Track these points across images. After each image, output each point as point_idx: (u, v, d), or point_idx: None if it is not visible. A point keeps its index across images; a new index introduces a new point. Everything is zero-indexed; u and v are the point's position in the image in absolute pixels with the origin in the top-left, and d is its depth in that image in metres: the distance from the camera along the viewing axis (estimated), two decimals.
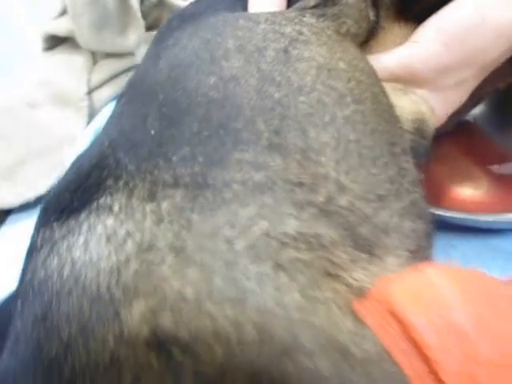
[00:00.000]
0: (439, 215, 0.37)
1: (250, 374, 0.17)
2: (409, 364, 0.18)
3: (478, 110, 0.47)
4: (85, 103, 0.66)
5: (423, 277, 0.21)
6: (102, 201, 0.24)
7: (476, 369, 0.17)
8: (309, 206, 0.23)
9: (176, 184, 0.23)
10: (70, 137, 0.62)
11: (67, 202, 0.25)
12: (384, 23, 0.38)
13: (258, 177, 0.23)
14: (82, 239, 0.22)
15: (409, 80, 0.35)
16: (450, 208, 0.39)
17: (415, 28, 0.36)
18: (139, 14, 0.63)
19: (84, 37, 0.67)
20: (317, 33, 0.30)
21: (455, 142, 0.45)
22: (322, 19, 0.32)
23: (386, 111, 0.29)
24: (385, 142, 0.28)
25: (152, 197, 0.22)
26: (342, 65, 0.29)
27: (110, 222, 0.22)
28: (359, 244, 0.24)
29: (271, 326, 0.18)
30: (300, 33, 0.29)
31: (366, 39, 0.36)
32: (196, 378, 0.17)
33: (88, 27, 0.66)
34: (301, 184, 0.24)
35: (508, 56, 0.36)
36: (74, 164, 0.28)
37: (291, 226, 0.22)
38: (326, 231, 0.23)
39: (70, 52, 0.73)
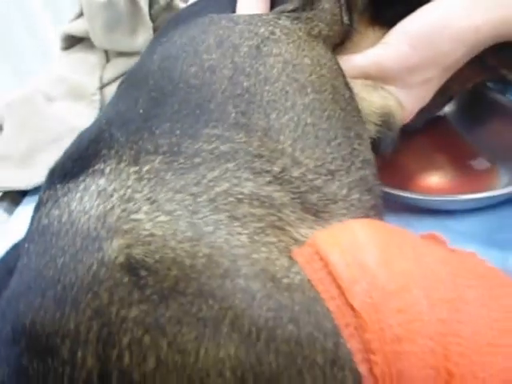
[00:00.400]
0: (397, 195, 0.41)
1: (197, 287, 0.22)
2: (325, 290, 0.23)
3: (450, 108, 0.51)
4: (97, 97, 0.71)
5: (347, 227, 0.26)
6: (96, 167, 0.29)
7: (375, 294, 0.22)
8: (265, 174, 0.28)
9: (156, 152, 0.28)
10: (82, 127, 0.68)
11: (69, 168, 0.30)
12: (359, 27, 0.43)
13: (224, 148, 0.28)
14: (78, 195, 0.27)
15: (379, 77, 0.40)
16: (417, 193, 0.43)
17: (387, 32, 0.41)
18: (148, 17, 0.69)
19: (98, 37, 0.73)
20: (288, 33, 0.35)
21: (427, 137, 0.49)
22: (295, 22, 0.37)
23: (345, 101, 0.34)
24: (340, 126, 0.33)
25: (136, 162, 0.28)
26: (306, 61, 0.34)
27: (101, 181, 0.28)
28: (307, 208, 0.29)
29: (218, 256, 0.23)
30: (272, 33, 0.34)
31: (342, 41, 0.41)
32: (155, 290, 0.22)
33: (101, 28, 0.72)
34: (260, 156, 0.29)
35: (467, 59, 0.40)
36: (77, 138, 0.34)
37: (248, 187, 0.27)
38: (277, 194, 0.28)
39: (85, 51, 0.79)
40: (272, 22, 0.35)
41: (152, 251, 0.23)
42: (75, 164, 0.30)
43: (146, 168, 0.27)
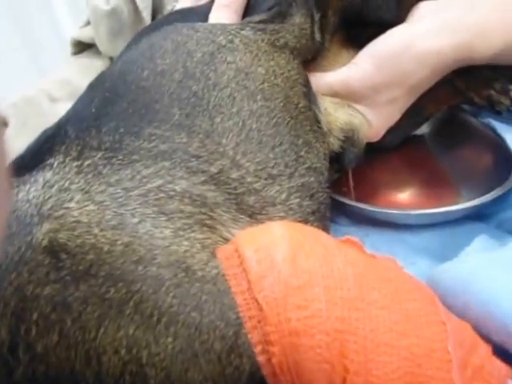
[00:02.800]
0: (357, 207, 0.42)
1: (109, 271, 0.23)
2: (237, 284, 0.24)
3: (427, 129, 0.52)
4: None
5: (268, 228, 0.27)
6: (48, 161, 0.31)
7: (278, 288, 0.23)
8: (201, 174, 0.30)
9: (99, 148, 0.30)
10: None
11: (27, 161, 0.33)
12: (332, 47, 0.44)
13: (163, 147, 0.30)
14: (27, 187, 0.30)
15: (347, 96, 0.41)
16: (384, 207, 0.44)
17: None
18: None
19: (102, 44, 0.76)
20: (247, 43, 0.37)
21: (401, 154, 0.50)
22: (259, 32, 0.39)
23: (297, 110, 0.36)
24: (287, 133, 0.34)
25: (79, 157, 0.29)
26: (260, 70, 0.35)
27: (48, 174, 0.30)
28: (243, 209, 0.30)
29: (136, 244, 0.25)
30: (230, 41, 0.36)
31: (314, 57, 0.42)
32: (70, 272, 0.23)
33: (105, 35, 0.75)
34: (198, 156, 0.30)
35: (434, 81, 0.41)
36: (41, 133, 0.36)
37: (181, 185, 0.29)
38: (211, 194, 0.29)
39: (91, 57, 0.82)
40: (233, 32, 0.37)
41: (75, 236, 0.25)
42: (32, 158, 0.33)
43: (87, 162, 0.29)
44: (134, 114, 0.31)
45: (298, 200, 0.33)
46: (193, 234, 0.27)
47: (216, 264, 0.25)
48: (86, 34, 0.80)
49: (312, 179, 0.34)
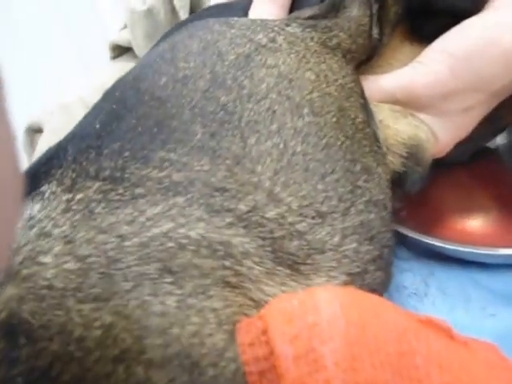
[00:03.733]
0: (420, 240, 0.34)
1: (77, 373, 0.16)
2: None
3: (503, 140, 0.42)
4: None
5: (310, 296, 0.19)
6: (42, 188, 0.25)
7: None
8: (226, 213, 0.22)
9: (96, 176, 0.23)
10: None
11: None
12: (391, 42, 0.36)
13: (177, 177, 0.22)
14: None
15: (410, 103, 0.33)
16: (452, 239, 0.35)
17: (425, 48, 0.34)
18: None
19: (139, 47, 0.71)
20: (292, 42, 0.29)
21: (470, 172, 0.41)
22: (308, 30, 0.31)
23: (353, 127, 0.27)
24: (341, 158, 0.26)
25: (72, 187, 0.23)
26: (309, 75, 0.27)
27: (36, 207, 0.23)
28: (281, 258, 0.22)
29: (120, 328, 0.17)
30: (272, 40, 0.28)
31: (369, 57, 0.34)
32: (23, 370, 0.16)
33: (142, 38, 0.70)
34: (224, 190, 0.23)
35: None
36: (46, 150, 0.30)
37: (197, 229, 0.21)
38: (239, 240, 0.22)
39: (129, 61, 0.77)
40: (276, 28, 0.30)
41: (42, 310, 0.18)
42: (28, 181, 0.26)
43: (78, 196, 0.22)
44: (144, 134, 0.24)
45: (354, 245, 0.25)
46: (207, 303, 0.19)
47: (234, 355, 0.18)
48: (123, 37, 0.76)
49: (372, 216, 0.26)
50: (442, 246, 0.34)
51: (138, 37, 0.70)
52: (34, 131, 0.75)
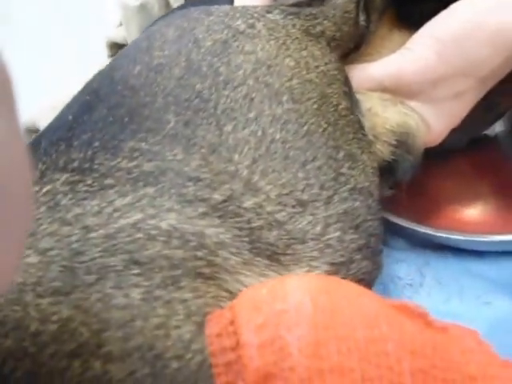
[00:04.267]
0: (415, 230, 0.34)
1: (31, 369, 0.16)
2: (225, 377, 0.16)
3: (502, 128, 0.41)
4: None
5: (281, 284, 0.18)
6: None
7: None
8: (199, 203, 0.21)
9: (64, 168, 0.22)
10: None
11: None
12: (378, 29, 0.35)
13: (148, 167, 0.22)
14: None
15: (399, 90, 0.32)
16: (449, 228, 0.35)
17: (413, 34, 0.33)
18: None
19: None
20: (272, 28, 0.28)
21: (468, 159, 0.40)
22: (291, 17, 0.30)
23: (336, 114, 0.27)
24: (323, 145, 0.25)
25: (40, 180, 0.22)
26: (288, 62, 0.27)
27: None
28: (259, 248, 0.22)
29: (78, 322, 0.17)
30: (251, 26, 0.28)
31: (357, 46, 0.33)
32: None
33: (137, 34, 0.69)
34: (197, 179, 0.22)
35: (511, 69, 0.31)
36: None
37: (168, 220, 0.20)
38: (213, 231, 0.21)
39: None
40: (256, 15, 0.29)
41: (0, 306, 0.17)
42: None
43: (46, 189, 0.22)
44: (115, 123, 0.23)
45: (338, 233, 0.24)
46: (177, 294, 0.19)
47: (201, 346, 0.17)
48: (120, 35, 0.76)
49: (358, 204, 0.25)
50: (438, 236, 0.33)
51: (132, 33, 0.69)
52: (32, 132, 0.75)
